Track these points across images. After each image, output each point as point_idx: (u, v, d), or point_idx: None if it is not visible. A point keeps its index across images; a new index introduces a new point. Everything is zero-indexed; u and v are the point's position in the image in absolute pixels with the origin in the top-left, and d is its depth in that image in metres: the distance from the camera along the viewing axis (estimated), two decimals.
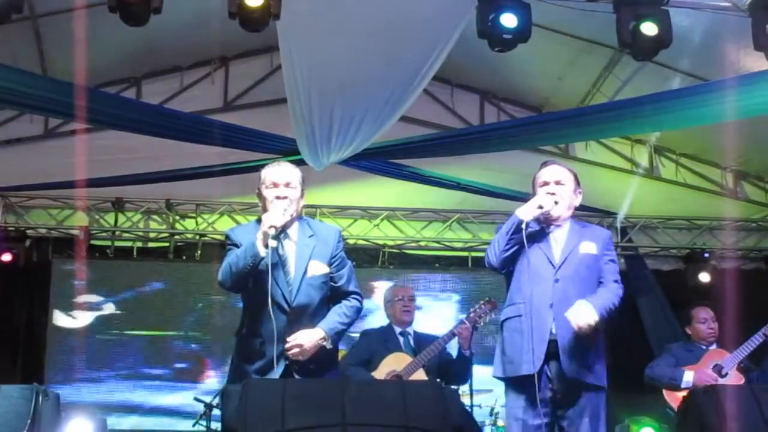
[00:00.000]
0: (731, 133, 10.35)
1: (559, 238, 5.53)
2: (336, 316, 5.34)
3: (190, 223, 11.62)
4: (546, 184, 5.59)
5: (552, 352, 5.25)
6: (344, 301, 5.44)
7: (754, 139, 10.62)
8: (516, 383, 5.37)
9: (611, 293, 5.39)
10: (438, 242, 11.91)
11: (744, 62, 8.64)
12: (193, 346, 10.93)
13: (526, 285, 5.41)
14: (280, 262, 5.22)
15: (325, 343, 5.17)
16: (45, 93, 8.28)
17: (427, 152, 10.05)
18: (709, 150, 11.69)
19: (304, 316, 5.20)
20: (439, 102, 11.59)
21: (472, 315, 7.73)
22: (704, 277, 11.68)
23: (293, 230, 5.38)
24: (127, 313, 11.04)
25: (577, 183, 5.68)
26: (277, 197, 5.30)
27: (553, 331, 5.26)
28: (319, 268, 5.33)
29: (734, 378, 7.76)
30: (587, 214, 11.46)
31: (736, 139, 10.67)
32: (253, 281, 5.19)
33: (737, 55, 8.81)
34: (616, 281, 5.48)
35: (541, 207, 5.43)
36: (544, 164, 5.75)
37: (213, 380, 10.65)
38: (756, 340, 7.80)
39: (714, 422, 3.75)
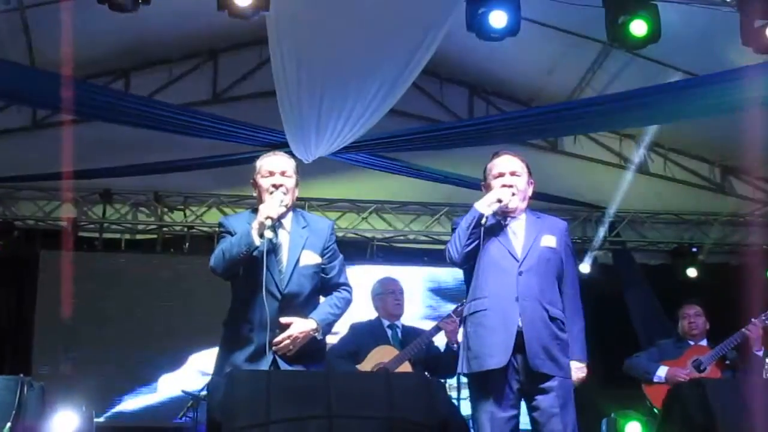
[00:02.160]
0: (720, 129, 10.40)
1: (517, 230, 5.50)
2: (328, 307, 5.35)
3: (178, 216, 11.62)
4: (501, 175, 5.53)
5: (518, 345, 5.22)
6: (335, 293, 5.45)
7: (742, 135, 10.64)
8: (482, 378, 5.31)
9: (580, 320, 5.46)
10: (426, 235, 11.93)
11: (733, 57, 8.64)
12: (180, 338, 10.89)
13: (489, 279, 5.38)
14: (273, 251, 5.22)
15: (316, 335, 5.18)
16: (33, 84, 8.27)
17: (416, 145, 10.05)
18: (698, 145, 11.72)
19: (294, 304, 5.20)
20: (428, 95, 11.59)
21: (459, 309, 7.71)
22: (691, 272, 11.73)
23: (287, 220, 5.39)
24: (114, 305, 11.01)
25: (530, 172, 5.63)
26: (273, 185, 5.31)
27: (520, 324, 5.24)
28: (311, 258, 5.35)
29: (712, 374, 7.83)
30: (575, 208, 11.50)
31: (724, 133, 10.72)
32: (245, 269, 5.19)
33: (726, 49, 8.82)
34: (574, 280, 5.53)
35: (500, 201, 5.39)
36: (496, 154, 5.67)
37: (199, 372, 10.63)
38: (736, 338, 7.87)
39: (698, 415, 3.76)
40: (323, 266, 5.42)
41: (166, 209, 11.61)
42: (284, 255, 5.28)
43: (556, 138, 11.86)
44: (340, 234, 11.33)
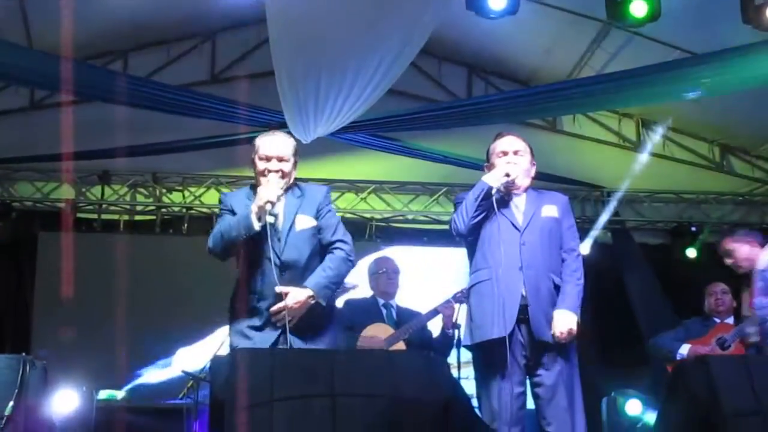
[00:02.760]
0: (719, 108, 10.39)
1: (519, 204, 5.58)
2: (321, 271, 5.35)
3: (177, 196, 11.61)
4: (505, 154, 5.62)
5: (522, 316, 5.26)
6: (329, 255, 5.45)
7: (741, 113, 10.64)
8: (487, 352, 5.34)
9: (576, 281, 5.42)
10: (425, 216, 11.92)
11: (732, 35, 8.62)
12: (178, 320, 10.88)
13: (492, 250, 5.42)
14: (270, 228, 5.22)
15: (313, 302, 5.19)
16: (31, 65, 8.25)
17: (415, 125, 10.03)
18: (696, 124, 11.69)
19: (295, 270, 5.24)
20: (427, 75, 11.57)
21: (458, 295, 7.70)
22: (691, 252, 11.73)
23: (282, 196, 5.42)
24: (113, 286, 10.99)
25: (532, 152, 5.72)
26: (269, 170, 5.35)
27: (524, 294, 5.28)
28: (305, 222, 5.39)
29: (737, 351, 7.79)
30: (574, 187, 11.49)
31: (723, 112, 10.71)
32: (246, 244, 5.21)
33: (726, 28, 8.80)
34: (574, 250, 5.53)
35: (508, 175, 5.45)
36: (499, 135, 5.77)
37: (197, 352, 10.63)
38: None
39: (702, 392, 3.76)
40: (319, 228, 5.45)
41: (164, 190, 11.61)
42: (279, 223, 5.31)
43: (555, 117, 11.84)
44: (338, 214, 11.34)
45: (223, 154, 10.50)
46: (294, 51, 8.05)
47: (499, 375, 5.26)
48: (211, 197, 11.26)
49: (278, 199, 5.26)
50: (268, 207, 5.13)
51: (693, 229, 11.82)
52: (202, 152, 10.59)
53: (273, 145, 5.43)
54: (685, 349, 7.92)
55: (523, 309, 5.26)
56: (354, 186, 11.81)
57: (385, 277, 7.90)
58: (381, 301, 7.85)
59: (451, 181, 11.50)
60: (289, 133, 8.30)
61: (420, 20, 8.00)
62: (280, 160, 5.38)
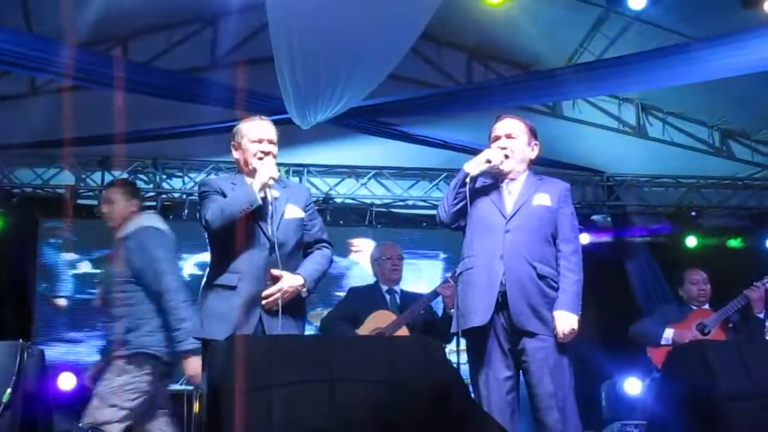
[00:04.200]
0: (718, 92, 10.39)
1: (513, 190, 5.54)
2: (313, 264, 5.45)
3: (177, 182, 11.62)
4: (497, 138, 5.60)
5: (503, 303, 5.26)
6: (317, 250, 5.56)
7: (741, 98, 10.64)
8: (472, 338, 5.40)
9: (574, 276, 5.37)
10: (425, 201, 11.93)
11: (732, 21, 8.62)
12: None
13: (477, 237, 5.43)
14: (263, 205, 5.30)
15: (303, 290, 5.27)
16: (31, 51, 8.24)
17: (415, 111, 10.04)
18: (696, 108, 11.69)
19: (282, 253, 5.27)
20: (427, 60, 11.55)
21: (456, 274, 7.72)
22: (691, 241, 11.74)
23: None
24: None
25: (532, 134, 5.66)
26: (262, 151, 5.44)
27: (503, 282, 5.27)
28: (295, 212, 5.46)
29: (717, 336, 7.83)
30: (574, 172, 11.49)
31: (722, 97, 10.71)
32: (235, 222, 5.25)
33: (725, 13, 8.80)
34: (571, 241, 5.47)
35: (489, 161, 5.43)
36: (498, 118, 5.72)
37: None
38: (739, 300, 7.86)
39: (698, 375, 3.78)
40: (305, 223, 5.53)
41: (164, 176, 11.62)
42: (270, 208, 5.36)
43: (555, 102, 11.84)
44: (338, 200, 11.42)
45: (223, 140, 10.37)
46: (294, 37, 8.05)
47: (485, 361, 5.30)
48: None
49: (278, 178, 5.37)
50: (271, 182, 5.25)
51: (693, 213, 11.83)
52: (202, 138, 10.57)
53: (264, 128, 5.54)
54: (669, 333, 7.94)
55: (503, 295, 5.26)
56: (354, 172, 11.82)
57: (389, 263, 7.94)
58: (384, 288, 7.89)
59: (450, 166, 11.48)
60: (285, 121, 8.38)
61: (419, 4, 7.99)
62: (271, 142, 5.49)
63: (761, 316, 7.78)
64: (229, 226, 5.24)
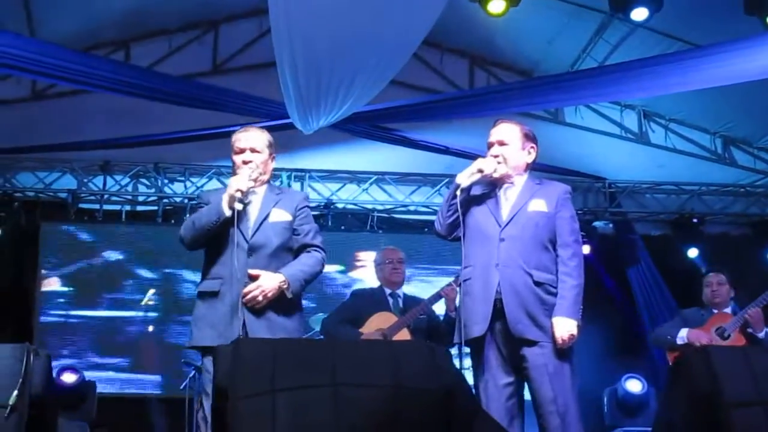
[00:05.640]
0: (721, 99, 10.39)
1: (510, 196, 5.50)
2: (298, 264, 5.48)
3: (178, 187, 11.62)
4: (491, 145, 5.57)
5: (500, 312, 5.24)
6: (305, 253, 5.57)
7: (743, 105, 10.65)
8: (473, 347, 5.40)
9: (573, 282, 5.32)
10: (427, 207, 11.92)
11: (735, 27, 8.62)
12: (180, 309, 10.91)
13: (474, 247, 5.42)
14: (242, 211, 5.35)
15: (285, 287, 5.27)
16: (33, 55, 8.24)
17: (417, 116, 10.05)
18: (699, 115, 11.70)
19: (261, 255, 5.33)
20: (429, 66, 11.57)
21: (459, 277, 7.73)
22: (692, 252, 11.72)
23: (261, 190, 5.60)
24: (114, 275, 11.06)
25: (528, 138, 5.60)
26: (243, 161, 5.53)
27: (499, 291, 5.25)
28: (281, 215, 5.51)
29: (736, 341, 7.78)
30: (576, 178, 11.49)
31: (725, 104, 10.71)
32: (215, 233, 5.32)
33: (729, 19, 8.79)
34: (569, 246, 5.40)
35: (481, 171, 5.41)
36: (495, 123, 5.68)
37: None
38: (760, 301, 7.81)
39: (703, 381, 3.77)
40: (295, 227, 5.56)
41: (166, 180, 11.62)
42: (254, 213, 5.44)
43: (558, 109, 11.84)
44: (340, 205, 11.41)
45: (225, 145, 10.35)
46: (296, 42, 8.04)
47: (485, 368, 5.32)
48: (212, 187, 11.27)
49: (248, 189, 5.38)
50: (238, 195, 5.27)
51: (695, 220, 11.82)
52: (203, 143, 10.58)
53: (245, 138, 5.62)
54: (684, 332, 7.92)
55: (500, 303, 5.24)
56: (356, 177, 11.82)
57: (390, 267, 7.98)
58: (388, 291, 7.92)
59: (452, 172, 11.30)
60: (287, 126, 8.39)
61: (422, 11, 7.98)
62: (253, 151, 5.55)
63: (761, 335, 7.76)
64: (200, 243, 5.38)
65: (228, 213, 5.24)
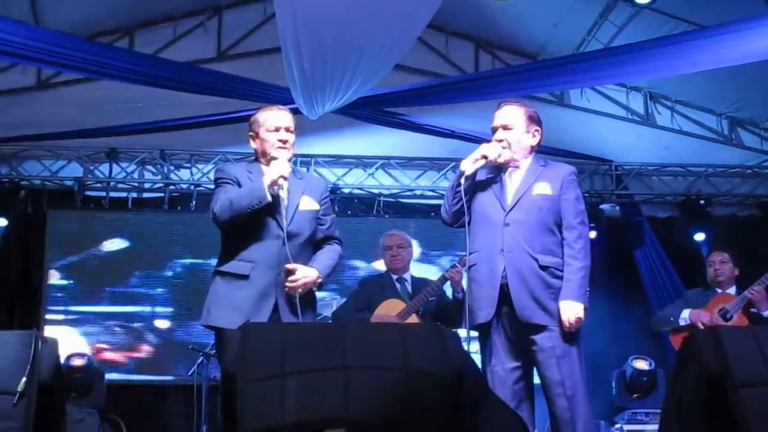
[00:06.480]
0: (727, 80, 10.35)
1: (515, 179, 5.51)
2: (326, 259, 5.49)
3: (184, 173, 11.62)
4: (494, 130, 5.57)
5: (507, 297, 5.26)
6: (328, 246, 5.60)
7: (750, 86, 10.61)
8: (480, 332, 5.44)
9: (579, 265, 5.33)
10: (433, 191, 11.92)
11: (740, 8, 8.59)
12: (186, 296, 10.91)
13: (479, 232, 5.44)
14: (278, 200, 5.31)
15: (320, 281, 5.34)
16: (38, 43, 8.23)
17: (422, 100, 10.02)
18: (705, 97, 11.65)
19: (294, 244, 5.31)
20: (434, 50, 11.55)
21: (464, 258, 7.72)
22: (699, 235, 11.70)
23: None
24: (121, 263, 11.08)
25: (532, 121, 5.59)
26: (280, 140, 5.46)
27: (505, 276, 5.27)
28: (310, 204, 5.49)
29: (738, 321, 7.76)
30: (582, 161, 11.47)
31: (731, 85, 10.67)
32: (250, 214, 5.27)
33: (733, 0, 8.77)
34: (575, 228, 5.41)
35: (485, 157, 5.42)
36: (499, 105, 5.68)
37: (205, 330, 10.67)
38: (763, 280, 7.78)
39: (712, 361, 3.76)
40: (319, 217, 5.55)
41: (172, 167, 11.62)
42: (285, 199, 5.37)
43: (563, 91, 11.81)
44: (346, 190, 11.42)
45: (231, 131, 10.50)
46: (301, 27, 8.02)
47: (493, 353, 5.35)
48: None
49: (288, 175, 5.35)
50: (281, 181, 5.24)
51: (701, 202, 11.80)
52: (209, 129, 10.58)
53: (281, 116, 5.55)
54: (686, 313, 7.90)
55: (506, 288, 5.26)
56: (361, 162, 11.82)
57: (389, 253, 7.99)
58: (394, 276, 7.92)
59: (458, 156, 11.30)
60: (295, 110, 8.36)
61: None
62: (288, 130, 5.51)
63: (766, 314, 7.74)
64: (236, 221, 5.27)
65: (269, 198, 5.20)
